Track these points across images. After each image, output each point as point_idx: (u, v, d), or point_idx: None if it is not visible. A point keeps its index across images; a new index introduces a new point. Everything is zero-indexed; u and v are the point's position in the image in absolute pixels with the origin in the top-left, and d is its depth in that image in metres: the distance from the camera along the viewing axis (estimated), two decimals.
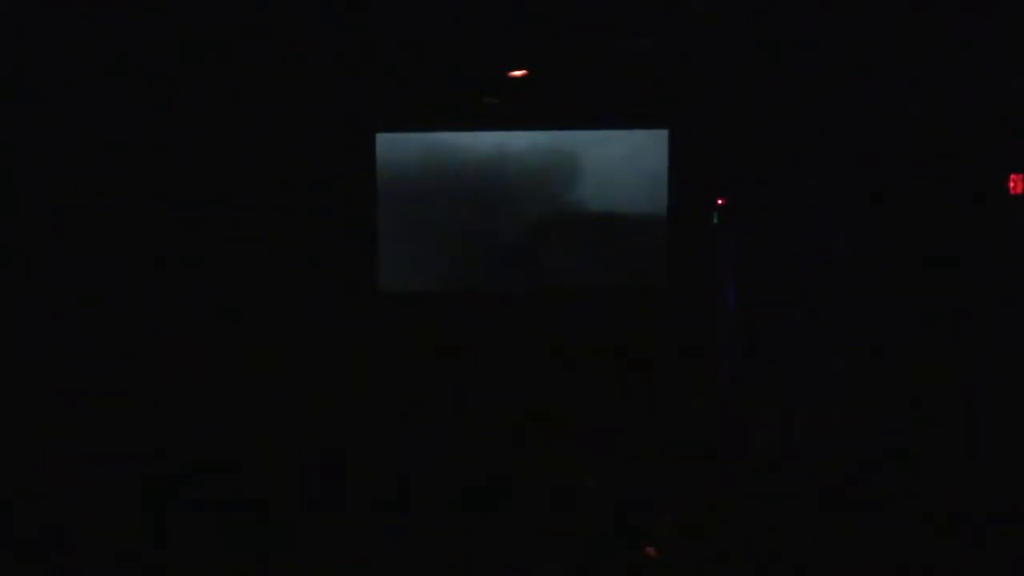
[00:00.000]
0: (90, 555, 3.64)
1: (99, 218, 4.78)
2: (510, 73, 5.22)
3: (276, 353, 5.12)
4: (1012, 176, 4.02)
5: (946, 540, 3.42)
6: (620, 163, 5.49)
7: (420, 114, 5.43)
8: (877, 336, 4.48)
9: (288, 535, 3.82)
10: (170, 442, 4.50)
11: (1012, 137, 3.87)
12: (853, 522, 3.57)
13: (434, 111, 5.44)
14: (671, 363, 5.28)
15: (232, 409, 4.83)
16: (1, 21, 4.03)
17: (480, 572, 3.62)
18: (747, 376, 5.16)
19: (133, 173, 4.90)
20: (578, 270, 5.53)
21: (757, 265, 5.25)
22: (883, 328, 4.45)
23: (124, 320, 4.80)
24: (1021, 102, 3.80)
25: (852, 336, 4.66)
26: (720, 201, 5.46)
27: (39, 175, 4.52)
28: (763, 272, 5.22)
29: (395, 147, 5.50)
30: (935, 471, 3.75)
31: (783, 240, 5.14)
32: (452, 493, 4.18)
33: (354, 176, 5.43)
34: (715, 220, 5.47)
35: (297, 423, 4.85)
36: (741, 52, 4.80)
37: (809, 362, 4.88)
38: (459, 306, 5.50)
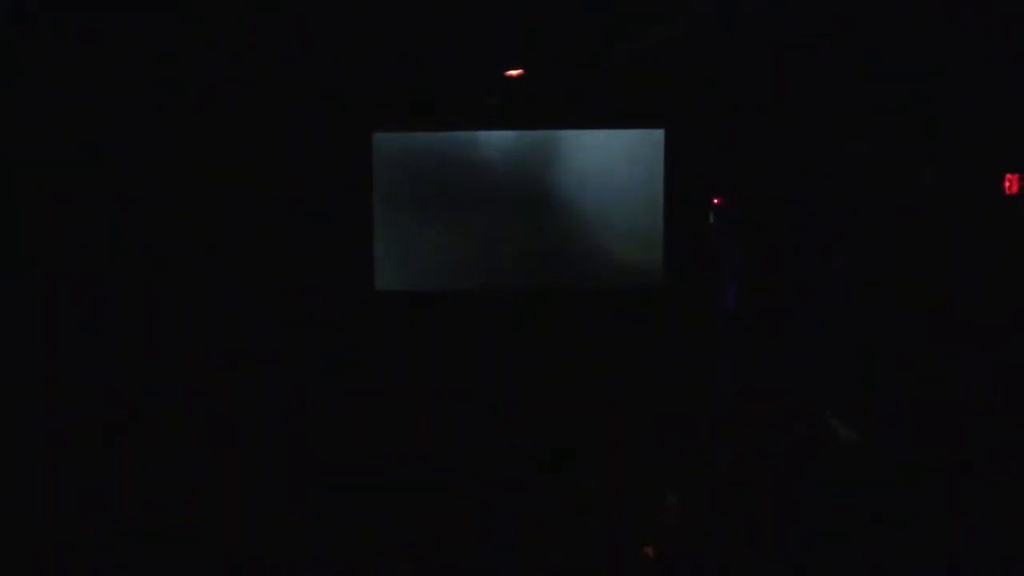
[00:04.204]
0: None
1: (97, 217, 4.76)
2: (507, 72, 5.22)
3: (274, 352, 5.12)
4: (1008, 176, 4.03)
5: (945, 540, 3.43)
6: (616, 163, 5.49)
7: (417, 114, 5.42)
8: (876, 335, 4.50)
9: (285, 537, 3.81)
10: (165, 441, 4.50)
11: (1008, 137, 3.89)
12: (854, 523, 3.58)
13: (431, 111, 5.43)
14: (671, 363, 5.29)
15: (231, 408, 4.83)
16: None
17: (481, 572, 3.62)
18: (747, 376, 5.18)
19: (130, 172, 4.89)
20: (577, 270, 5.53)
21: (755, 265, 5.27)
22: (882, 327, 4.47)
23: (120, 319, 4.78)
24: (1020, 102, 3.81)
25: (852, 335, 4.68)
26: (716, 201, 5.47)
27: (36, 174, 4.50)
28: (762, 271, 5.24)
29: (393, 147, 5.49)
30: (935, 470, 3.76)
31: (781, 239, 5.16)
32: (451, 493, 4.18)
33: (351, 176, 5.42)
34: (711, 220, 5.48)
35: (296, 422, 4.84)
36: (738, 51, 4.81)
37: (809, 362, 4.90)
38: (457, 306, 5.50)
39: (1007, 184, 4.09)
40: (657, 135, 5.48)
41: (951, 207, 4.16)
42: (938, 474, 3.71)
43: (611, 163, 5.49)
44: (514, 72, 5.23)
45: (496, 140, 5.49)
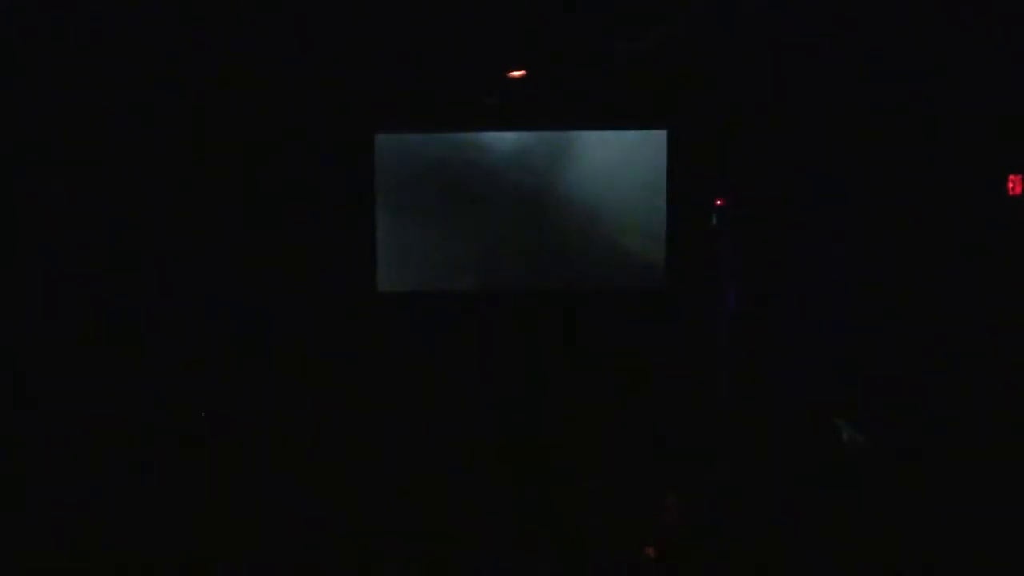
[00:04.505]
0: None
1: (97, 217, 4.77)
2: (509, 74, 5.22)
3: (276, 352, 5.12)
4: (1011, 177, 4.01)
5: (945, 540, 3.43)
6: (619, 164, 5.49)
7: (419, 115, 5.43)
8: (876, 335, 4.49)
9: (285, 535, 3.81)
10: (165, 441, 4.50)
11: (1011, 137, 3.87)
12: (854, 524, 3.57)
13: (433, 112, 5.43)
14: (671, 363, 5.29)
15: (232, 407, 4.83)
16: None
17: (481, 571, 3.62)
18: (747, 377, 5.18)
19: (130, 172, 4.89)
20: (578, 270, 5.53)
21: (757, 265, 5.26)
22: (882, 328, 4.46)
23: (120, 319, 4.79)
24: (1021, 102, 3.80)
25: (851, 335, 4.67)
26: (719, 202, 5.47)
27: (40, 174, 4.51)
28: (763, 272, 5.23)
29: (394, 148, 5.49)
30: (935, 470, 3.76)
31: (782, 240, 5.15)
32: (452, 492, 4.18)
33: (354, 177, 5.43)
34: (714, 221, 5.48)
35: (295, 422, 4.84)
36: (740, 53, 4.80)
37: (809, 362, 4.90)
38: (458, 306, 5.50)
39: (1010, 185, 4.07)
40: (660, 136, 5.48)
41: (952, 207, 4.14)
42: (938, 474, 3.71)
43: (613, 163, 5.49)
44: (516, 73, 5.22)
45: (498, 141, 5.50)
